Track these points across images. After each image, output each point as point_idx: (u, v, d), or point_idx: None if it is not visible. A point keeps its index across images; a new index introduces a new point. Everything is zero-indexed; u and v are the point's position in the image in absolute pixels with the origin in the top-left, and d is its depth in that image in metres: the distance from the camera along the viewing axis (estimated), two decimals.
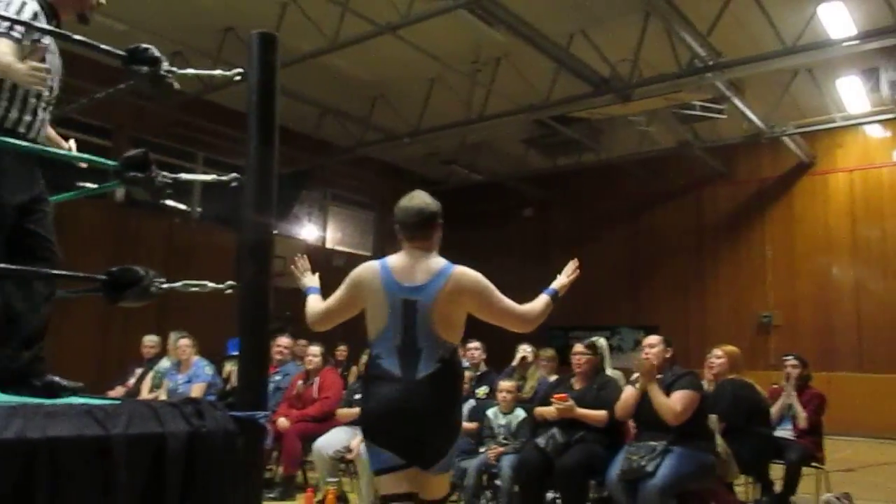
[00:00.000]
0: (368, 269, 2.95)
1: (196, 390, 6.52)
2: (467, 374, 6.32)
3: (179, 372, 6.91)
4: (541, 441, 4.93)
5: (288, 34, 8.20)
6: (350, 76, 10.93)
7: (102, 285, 1.85)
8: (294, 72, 8.76)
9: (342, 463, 5.96)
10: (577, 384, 5.15)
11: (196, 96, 10.14)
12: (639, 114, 11.47)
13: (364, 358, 5.46)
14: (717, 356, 5.48)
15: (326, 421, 6.19)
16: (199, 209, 12.49)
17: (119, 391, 7.45)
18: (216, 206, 12.49)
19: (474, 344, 6.62)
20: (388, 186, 15.20)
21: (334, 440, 5.86)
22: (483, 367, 6.97)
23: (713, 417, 4.86)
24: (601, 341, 5.34)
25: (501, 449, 5.36)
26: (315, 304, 3.14)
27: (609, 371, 5.44)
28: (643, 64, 9.29)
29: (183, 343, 6.90)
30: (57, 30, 2.06)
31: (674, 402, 4.40)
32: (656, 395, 4.45)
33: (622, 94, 9.76)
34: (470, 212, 16.05)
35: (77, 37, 2.02)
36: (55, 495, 1.57)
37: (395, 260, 2.94)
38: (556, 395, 5.00)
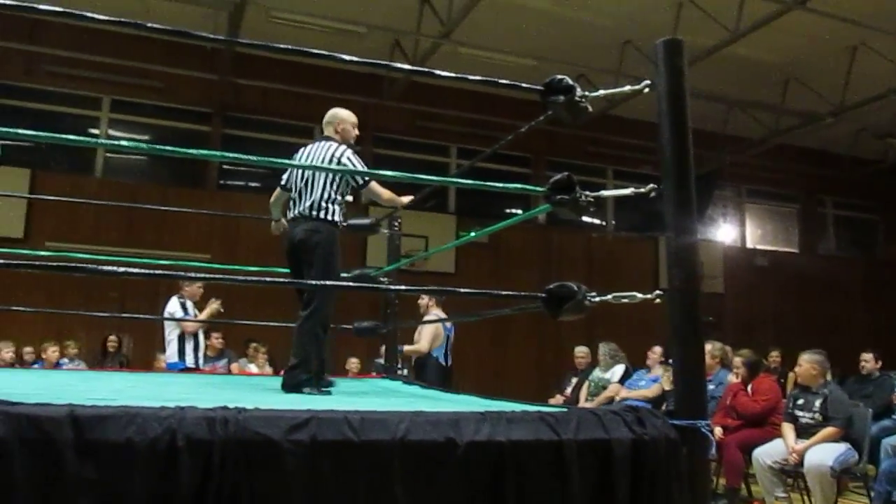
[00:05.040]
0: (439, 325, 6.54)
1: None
2: None
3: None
4: None
5: (685, 33, 8.01)
6: (756, 63, 10.24)
7: (543, 302, 2.01)
8: (694, 70, 8.52)
9: (787, 476, 5.53)
10: None
11: (601, 113, 10.50)
12: None
13: (807, 364, 5.21)
14: None
15: (766, 427, 5.82)
16: (613, 221, 12.84)
17: (558, 399, 7.98)
18: (629, 216, 12.72)
19: None
20: (813, 174, 13.82)
21: (774, 450, 5.48)
22: None
23: None
24: None
25: None
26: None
27: None
28: None
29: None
30: (479, 77, 2.32)
31: None
32: None
33: None
34: None
35: (503, 81, 2.26)
36: (522, 493, 1.75)
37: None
38: None
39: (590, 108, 2.09)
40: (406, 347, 6.48)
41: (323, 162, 3.74)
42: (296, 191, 3.80)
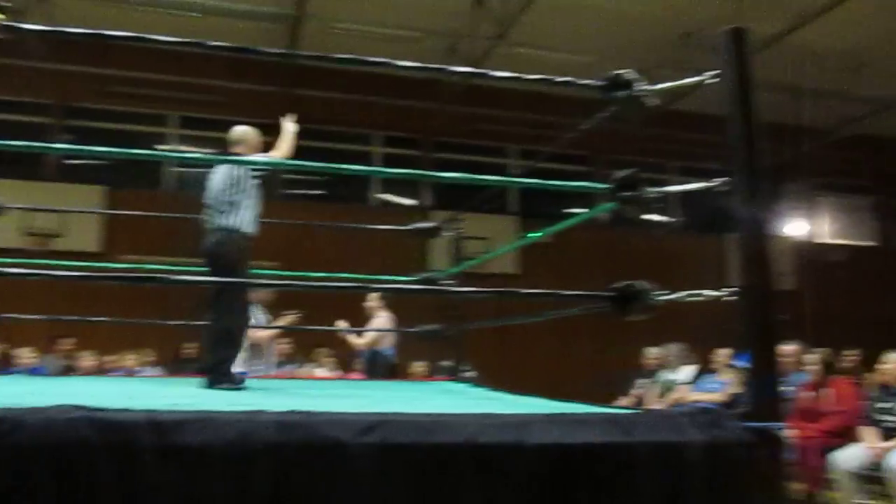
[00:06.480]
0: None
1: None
2: None
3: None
4: None
5: (747, 21, 7.82)
6: (823, 49, 9.89)
7: (610, 301, 1.98)
8: (757, 59, 8.30)
9: (868, 481, 5.31)
10: None
11: (661, 109, 10.29)
12: None
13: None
14: None
15: (845, 436, 5.61)
16: (678, 219, 12.59)
17: (625, 401, 7.85)
18: (695, 213, 12.45)
19: None
20: (890, 162, 13.26)
21: (855, 455, 5.28)
22: None
23: None
24: None
25: None
26: None
27: None
28: None
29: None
30: (536, 76, 2.29)
31: None
32: None
33: None
34: None
35: (559, 79, 2.24)
36: (592, 496, 1.72)
37: None
38: None
39: (654, 102, 2.05)
40: (359, 340, 6.96)
41: (231, 173, 3.90)
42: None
